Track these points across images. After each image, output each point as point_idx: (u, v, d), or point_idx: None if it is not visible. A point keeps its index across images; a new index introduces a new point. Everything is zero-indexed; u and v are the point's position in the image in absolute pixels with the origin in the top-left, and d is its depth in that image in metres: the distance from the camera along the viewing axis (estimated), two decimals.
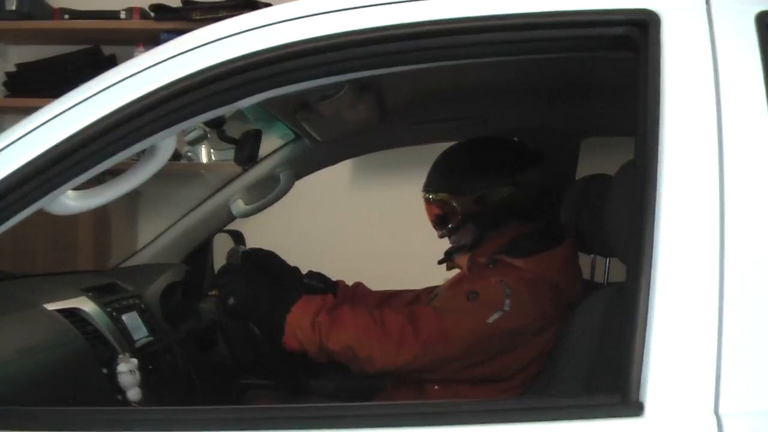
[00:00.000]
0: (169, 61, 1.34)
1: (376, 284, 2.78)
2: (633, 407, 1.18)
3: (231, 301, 2.11)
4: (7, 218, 1.29)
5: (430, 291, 2.46)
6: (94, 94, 1.32)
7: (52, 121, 1.31)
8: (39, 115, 1.32)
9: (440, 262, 2.43)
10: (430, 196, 2.32)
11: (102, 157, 1.33)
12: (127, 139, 1.33)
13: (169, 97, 1.32)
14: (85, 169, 1.33)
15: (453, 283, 2.35)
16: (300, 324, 2.03)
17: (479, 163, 2.30)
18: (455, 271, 2.42)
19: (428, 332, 2.00)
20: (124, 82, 1.33)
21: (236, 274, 2.17)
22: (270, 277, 2.32)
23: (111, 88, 1.32)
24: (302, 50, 1.32)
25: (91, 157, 1.31)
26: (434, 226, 2.35)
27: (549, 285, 2.13)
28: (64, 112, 1.31)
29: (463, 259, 2.32)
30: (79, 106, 1.31)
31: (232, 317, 2.29)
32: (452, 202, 2.27)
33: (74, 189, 1.39)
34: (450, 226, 2.29)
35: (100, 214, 3.89)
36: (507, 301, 2.04)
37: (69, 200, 1.40)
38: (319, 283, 2.51)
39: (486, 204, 2.26)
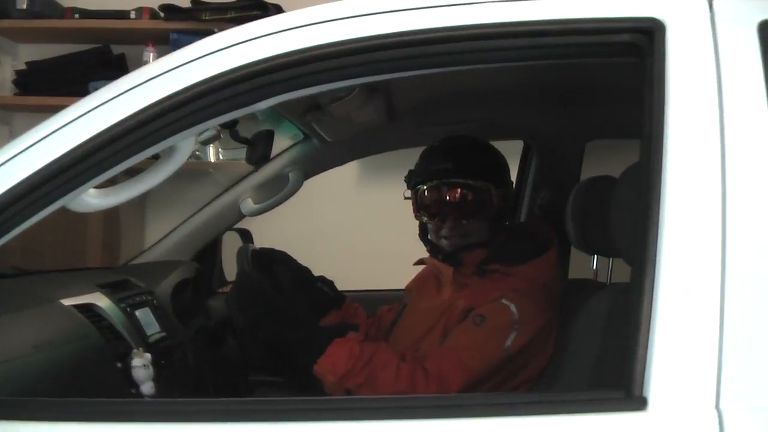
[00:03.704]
0: (188, 65, 1.37)
1: (381, 284, 2.82)
2: (636, 402, 1.20)
3: (260, 336, 2.16)
4: (33, 214, 1.33)
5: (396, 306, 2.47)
6: (116, 97, 1.35)
7: (76, 121, 1.34)
8: (63, 116, 1.35)
9: (416, 264, 2.43)
10: (470, 182, 2.21)
11: (123, 157, 1.36)
12: (147, 140, 1.36)
13: (188, 100, 1.34)
14: (107, 169, 1.36)
15: (447, 309, 2.21)
16: (326, 376, 2.02)
17: (503, 161, 2.33)
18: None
19: (458, 382, 1.98)
20: (144, 84, 1.36)
21: (255, 300, 2.15)
22: (286, 294, 2.32)
23: (132, 91, 1.35)
24: (319, 54, 1.35)
25: (112, 157, 1.34)
26: (451, 213, 2.22)
27: (541, 287, 2.16)
28: (87, 113, 1.34)
29: (448, 269, 2.27)
30: (101, 107, 1.35)
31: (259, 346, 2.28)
32: (490, 191, 2.22)
33: (95, 187, 1.42)
34: (474, 216, 2.22)
35: (109, 213, 3.89)
36: (515, 318, 2.05)
37: (90, 198, 1.43)
38: (329, 291, 2.51)
39: (506, 202, 2.30)
